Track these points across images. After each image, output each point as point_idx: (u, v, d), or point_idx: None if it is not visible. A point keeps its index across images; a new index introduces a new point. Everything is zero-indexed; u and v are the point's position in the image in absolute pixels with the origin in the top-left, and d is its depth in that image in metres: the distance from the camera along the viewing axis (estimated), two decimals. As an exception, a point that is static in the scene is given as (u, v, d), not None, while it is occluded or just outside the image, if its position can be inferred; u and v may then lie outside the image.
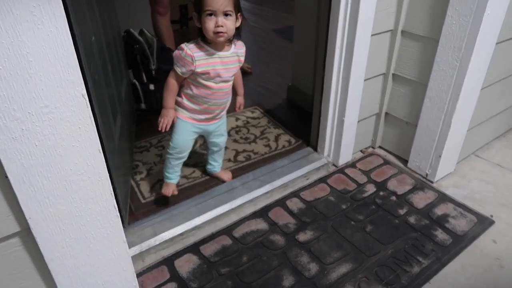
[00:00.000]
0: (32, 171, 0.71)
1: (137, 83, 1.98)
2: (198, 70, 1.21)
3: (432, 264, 1.24)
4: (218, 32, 1.15)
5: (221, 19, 1.14)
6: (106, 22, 1.50)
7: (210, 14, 1.14)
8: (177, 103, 1.33)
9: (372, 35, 1.44)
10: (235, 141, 1.83)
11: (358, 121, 1.63)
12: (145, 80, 1.99)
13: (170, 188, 1.46)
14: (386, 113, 1.72)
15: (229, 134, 1.87)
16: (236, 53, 1.28)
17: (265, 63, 2.71)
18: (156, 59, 1.96)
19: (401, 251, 1.28)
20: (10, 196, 0.72)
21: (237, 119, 2.00)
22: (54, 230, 0.78)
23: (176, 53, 1.23)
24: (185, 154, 1.42)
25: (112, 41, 1.60)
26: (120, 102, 1.56)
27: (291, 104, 2.18)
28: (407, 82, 1.58)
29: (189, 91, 1.29)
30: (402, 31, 1.52)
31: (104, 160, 0.80)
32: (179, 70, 1.23)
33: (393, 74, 1.62)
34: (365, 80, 1.54)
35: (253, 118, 2.02)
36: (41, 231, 0.77)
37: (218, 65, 1.24)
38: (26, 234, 0.78)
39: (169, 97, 1.28)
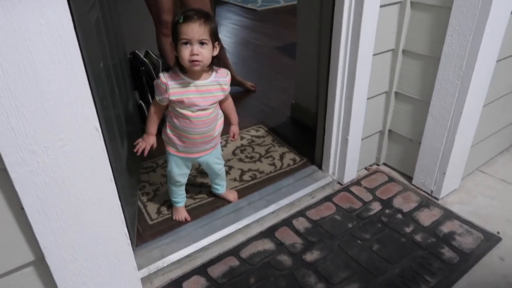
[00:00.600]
0: (47, 202, 0.73)
1: (143, 104, 2.01)
2: (172, 98, 1.22)
3: (439, 283, 1.24)
4: (193, 61, 1.15)
5: (197, 48, 1.14)
6: (113, 45, 1.54)
7: (186, 43, 1.15)
8: (165, 135, 1.35)
9: (374, 54, 1.47)
10: (241, 160, 1.85)
11: (362, 139, 1.65)
12: (151, 101, 2.02)
13: (180, 213, 1.49)
14: (390, 131, 1.73)
15: (234, 153, 1.89)
16: (218, 81, 1.26)
17: (268, 81, 2.74)
18: (161, 80, 1.99)
19: (408, 270, 1.29)
20: (26, 226, 0.74)
21: (242, 138, 2.02)
22: (68, 258, 0.80)
23: (155, 81, 1.26)
24: (183, 181, 1.46)
25: (119, 64, 1.64)
26: (127, 123, 1.59)
27: (294, 122, 2.20)
28: (410, 100, 1.60)
29: (171, 121, 1.30)
30: (403, 50, 1.54)
31: (115, 189, 0.82)
32: (157, 97, 1.26)
33: (396, 92, 1.64)
34: (368, 98, 1.56)
35: (258, 136, 2.04)
36: (55, 260, 0.78)
37: (192, 94, 1.23)
38: (40, 263, 0.79)
39: (150, 123, 1.31)
